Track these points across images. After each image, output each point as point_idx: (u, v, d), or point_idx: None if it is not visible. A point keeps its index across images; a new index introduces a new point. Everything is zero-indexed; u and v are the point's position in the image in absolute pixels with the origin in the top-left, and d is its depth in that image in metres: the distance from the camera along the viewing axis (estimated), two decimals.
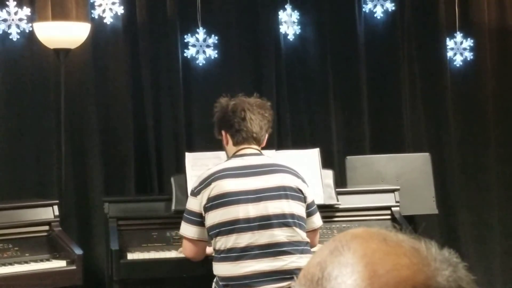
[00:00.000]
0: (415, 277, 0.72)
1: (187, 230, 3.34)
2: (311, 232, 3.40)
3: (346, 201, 4.17)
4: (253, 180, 3.27)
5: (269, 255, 3.20)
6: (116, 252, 3.81)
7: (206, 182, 3.27)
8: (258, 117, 3.33)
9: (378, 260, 0.73)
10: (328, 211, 4.02)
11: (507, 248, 5.47)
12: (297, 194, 3.30)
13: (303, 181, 3.37)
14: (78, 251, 3.83)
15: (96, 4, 4.73)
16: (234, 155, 3.35)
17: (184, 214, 3.37)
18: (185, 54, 4.94)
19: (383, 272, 0.72)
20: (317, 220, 3.43)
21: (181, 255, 3.74)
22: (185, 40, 4.94)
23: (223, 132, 3.38)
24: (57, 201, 4.07)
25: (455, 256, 0.75)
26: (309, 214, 3.37)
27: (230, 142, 3.36)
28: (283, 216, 3.25)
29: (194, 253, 3.39)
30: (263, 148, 3.44)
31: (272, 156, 3.65)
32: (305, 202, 3.34)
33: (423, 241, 0.76)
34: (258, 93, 3.55)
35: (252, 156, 3.33)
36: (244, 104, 3.34)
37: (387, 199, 4.24)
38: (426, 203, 4.50)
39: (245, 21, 5.09)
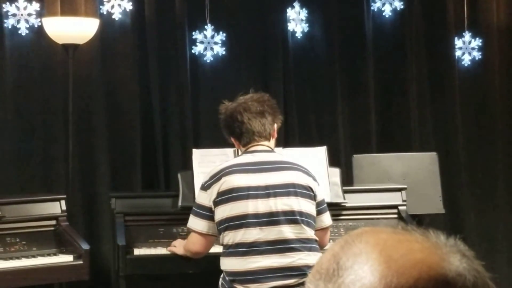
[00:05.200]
0: (429, 259, 0.74)
1: (196, 223, 3.34)
2: (321, 231, 3.40)
3: (353, 200, 4.17)
4: (263, 176, 3.27)
5: (277, 251, 3.21)
6: (123, 247, 3.82)
7: (216, 177, 3.28)
8: (257, 115, 3.32)
9: (391, 246, 0.75)
10: (334, 210, 4.01)
11: None
12: (307, 192, 3.30)
13: (314, 179, 3.37)
14: (85, 246, 3.84)
15: (105, 0, 4.73)
16: (246, 152, 3.36)
17: (194, 208, 3.37)
18: (193, 51, 4.94)
19: (397, 256, 0.74)
20: (326, 219, 3.43)
21: (169, 253, 3.76)
22: (193, 37, 4.95)
23: (231, 138, 3.41)
24: (64, 196, 4.07)
25: (462, 244, 0.78)
26: (319, 213, 3.37)
27: (239, 144, 3.40)
28: (292, 213, 3.25)
29: (203, 248, 3.40)
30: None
31: (282, 154, 3.65)
32: (315, 200, 3.34)
33: (431, 231, 0.78)
34: (265, 91, 3.56)
35: (263, 152, 3.34)
36: (239, 107, 3.33)
37: (394, 198, 4.24)
38: (433, 203, 4.50)
39: (253, 19, 5.09)
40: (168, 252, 3.85)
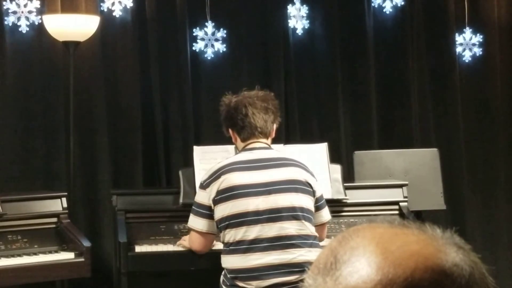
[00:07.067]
0: (426, 250, 0.75)
1: (196, 222, 3.35)
2: (319, 226, 3.41)
3: (354, 196, 4.18)
4: (262, 173, 3.28)
5: (278, 248, 3.21)
6: (124, 244, 3.82)
7: (215, 175, 3.28)
8: (261, 111, 3.33)
9: (387, 239, 0.76)
10: (336, 206, 4.02)
11: None
12: (306, 188, 3.31)
13: (312, 175, 3.38)
14: (86, 243, 3.84)
15: None
16: (244, 149, 3.37)
17: (193, 207, 3.38)
18: (193, 48, 4.94)
19: (394, 248, 0.75)
20: (325, 214, 3.45)
21: (180, 248, 3.76)
22: (194, 34, 4.94)
23: (230, 130, 3.40)
24: (66, 193, 4.08)
25: (458, 237, 0.79)
26: (318, 208, 3.38)
27: (238, 139, 3.39)
28: (292, 209, 3.26)
29: (203, 246, 3.42)
30: (273, 140, 3.45)
31: (281, 150, 3.66)
32: (313, 196, 3.35)
33: (427, 224, 0.79)
34: (267, 87, 3.56)
35: (261, 150, 3.35)
36: (245, 100, 3.35)
37: (395, 194, 4.24)
38: (434, 199, 4.50)
39: (254, 15, 5.09)
40: (170, 249, 3.85)
